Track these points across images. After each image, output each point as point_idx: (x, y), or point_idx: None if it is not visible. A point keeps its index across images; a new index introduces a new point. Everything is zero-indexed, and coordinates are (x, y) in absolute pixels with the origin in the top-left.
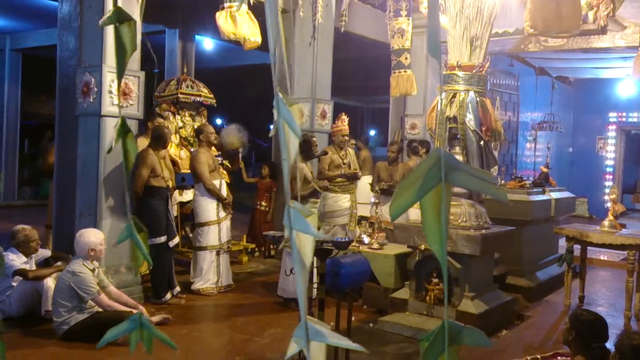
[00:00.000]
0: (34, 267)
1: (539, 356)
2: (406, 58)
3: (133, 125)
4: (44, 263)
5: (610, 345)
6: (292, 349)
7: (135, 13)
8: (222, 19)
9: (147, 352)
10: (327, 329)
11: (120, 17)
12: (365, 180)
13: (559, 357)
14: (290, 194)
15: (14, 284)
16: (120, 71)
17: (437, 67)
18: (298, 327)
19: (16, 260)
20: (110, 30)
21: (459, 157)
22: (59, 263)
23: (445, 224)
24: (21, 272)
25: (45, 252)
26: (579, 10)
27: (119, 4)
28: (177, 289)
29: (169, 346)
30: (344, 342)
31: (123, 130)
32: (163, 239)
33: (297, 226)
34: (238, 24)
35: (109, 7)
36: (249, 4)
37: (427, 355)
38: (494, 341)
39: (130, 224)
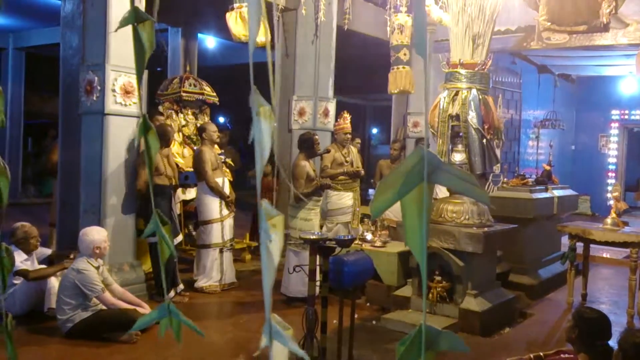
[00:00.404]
0: (36, 265)
1: (542, 354)
2: (405, 54)
3: (135, 123)
4: (47, 261)
5: (613, 343)
6: (263, 342)
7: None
8: (232, 20)
9: (175, 339)
10: (289, 331)
11: (138, 17)
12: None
13: (562, 355)
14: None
15: (16, 282)
16: (140, 71)
17: (440, 64)
18: (265, 324)
19: (16, 258)
20: (113, 29)
21: (462, 155)
22: (65, 261)
23: (426, 224)
24: (22, 273)
25: (46, 251)
26: (597, 1)
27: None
28: (181, 286)
29: (197, 333)
30: (296, 349)
31: (145, 127)
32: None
33: (264, 226)
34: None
35: (112, 5)
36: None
37: (403, 358)
38: (496, 338)
39: (155, 218)
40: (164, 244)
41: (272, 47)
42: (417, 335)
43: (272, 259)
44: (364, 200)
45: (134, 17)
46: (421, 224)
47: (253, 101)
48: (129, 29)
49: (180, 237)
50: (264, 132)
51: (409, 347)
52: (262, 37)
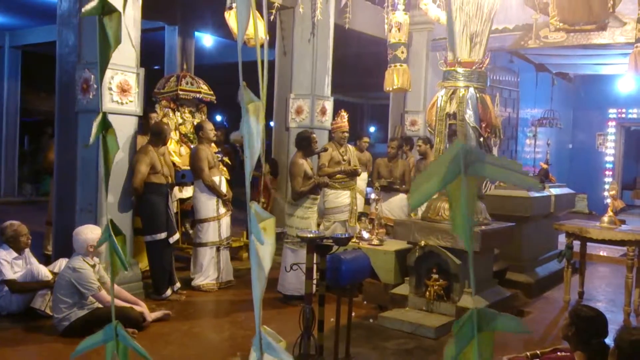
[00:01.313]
0: (31, 261)
1: (538, 352)
2: (402, 52)
3: (133, 122)
4: (44, 260)
5: (609, 340)
6: (252, 357)
7: (135, 9)
8: (232, 20)
9: None
10: (281, 343)
11: (105, 9)
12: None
13: (558, 353)
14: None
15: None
16: (104, 65)
17: (437, 63)
18: (255, 336)
19: (7, 257)
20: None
21: None
22: (51, 279)
23: (469, 214)
24: (8, 283)
25: (44, 271)
26: None
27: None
28: (178, 285)
29: (145, 358)
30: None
31: (104, 126)
32: (163, 235)
33: (254, 230)
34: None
35: (119, 5)
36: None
37: (458, 339)
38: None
39: (108, 226)
40: (114, 253)
41: (270, 45)
42: (470, 317)
43: (262, 268)
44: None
45: (101, 9)
46: (463, 214)
47: (242, 97)
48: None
49: (177, 236)
50: (253, 128)
51: (462, 326)
52: (262, 34)
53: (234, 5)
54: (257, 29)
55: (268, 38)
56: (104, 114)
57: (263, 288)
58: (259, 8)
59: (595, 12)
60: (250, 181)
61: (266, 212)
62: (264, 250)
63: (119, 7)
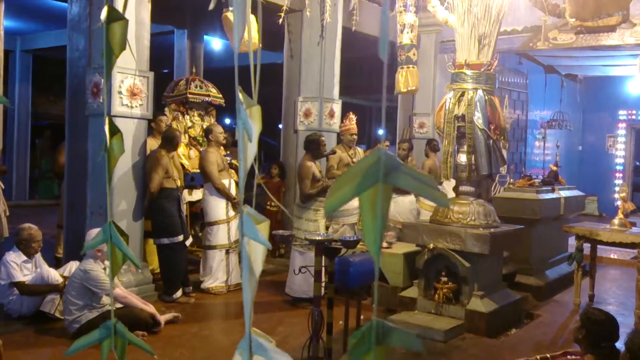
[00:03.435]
0: (41, 267)
1: (548, 355)
2: (414, 54)
3: (142, 126)
4: (55, 263)
5: (620, 344)
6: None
7: (145, 13)
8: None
9: (118, 359)
10: (271, 342)
11: (112, 16)
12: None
13: (568, 356)
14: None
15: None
16: (109, 70)
17: (445, 65)
18: (242, 339)
19: (16, 259)
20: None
21: (468, 156)
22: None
23: (381, 224)
24: (18, 285)
25: (54, 275)
26: None
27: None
28: (190, 288)
29: (146, 351)
30: (285, 358)
31: (111, 131)
32: (181, 237)
33: (248, 233)
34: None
35: (119, 7)
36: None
37: (354, 352)
38: (503, 339)
39: (109, 227)
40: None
41: (278, 48)
42: (368, 328)
43: (253, 272)
44: None
45: (109, 16)
46: (376, 224)
47: (238, 101)
48: (132, 30)
49: (190, 240)
50: (248, 131)
51: (360, 339)
52: (255, 39)
53: (231, 9)
54: (250, 34)
55: (260, 45)
56: (110, 119)
57: (254, 292)
58: (254, 12)
59: (610, 4)
60: (256, 187)
61: (261, 214)
62: (256, 254)
63: (130, 13)
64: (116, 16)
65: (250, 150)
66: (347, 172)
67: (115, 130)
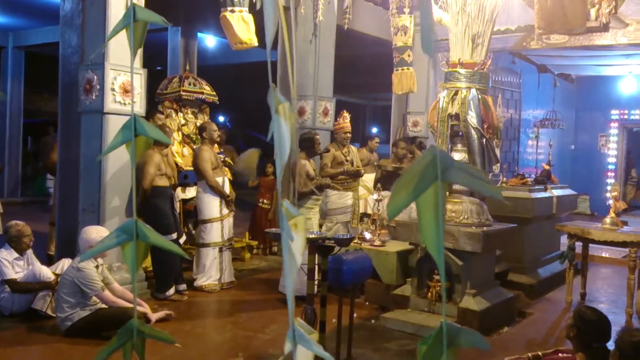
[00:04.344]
0: (33, 263)
1: (540, 353)
2: (409, 55)
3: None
4: (47, 261)
5: (612, 344)
6: (287, 347)
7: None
8: (235, 22)
9: (139, 358)
10: (313, 335)
11: (135, 15)
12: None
13: (560, 354)
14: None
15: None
16: (132, 66)
17: (440, 64)
18: (289, 328)
19: (8, 257)
20: (112, 28)
21: (461, 155)
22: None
23: (442, 222)
24: (9, 283)
25: (46, 272)
26: (584, 8)
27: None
28: (184, 286)
29: (169, 342)
30: (322, 352)
31: (135, 130)
32: (174, 236)
33: (285, 227)
34: (250, 27)
35: (111, 4)
36: (251, 4)
37: (426, 357)
38: (495, 338)
39: (136, 223)
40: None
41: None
42: (438, 334)
43: (294, 260)
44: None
45: (132, 16)
46: (437, 223)
47: (271, 99)
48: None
49: (184, 238)
50: (283, 130)
51: (432, 344)
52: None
53: (236, 9)
54: (281, 32)
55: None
56: (135, 117)
57: (295, 281)
58: (251, 11)
59: (570, 21)
60: (257, 184)
61: (295, 209)
62: (296, 246)
63: (123, 9)
64: (140, 16)
65: (285, 148)
66: (403, 176)
67: (138, 131)
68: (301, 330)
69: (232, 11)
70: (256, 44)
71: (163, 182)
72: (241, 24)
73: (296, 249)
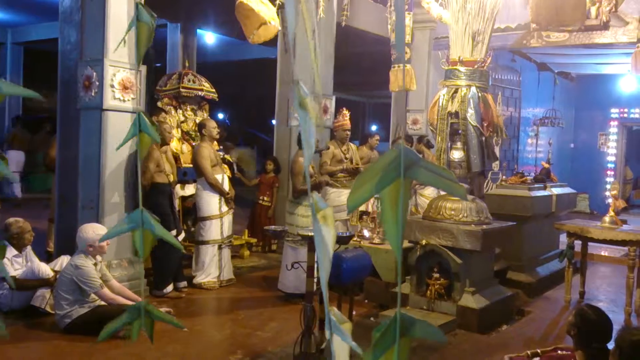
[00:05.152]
0: (33, 261)
1: (539, 350)
2: (406, 52)
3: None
4: (46, 258)
5: (612, 344)
6: (327, 334)
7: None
8: (255, 2)
9: (148, 337)
10: (346, 325)
11: (142, 15)
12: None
13: (559, 352)
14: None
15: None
16: (138, 65)
17: (439, 61)
18: (325, 318)
19: (7, 254)
20: (111, 24)
21: (460, 153)
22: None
23: (403, 218)
24: (8, 280)
25: (45, 269)
26: (580, 4)
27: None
28: (184, 283)
29: (176, 326)
30: (353, 343)
31: (139, 126)
32: (174, 232)
33: (315, 219)
34: (270, 8)
35: (110, 1)
36: None
37: (377, 346)
38: (494, 335)
39: (141, 212)
40: (149, 235)
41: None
42: (392, 323)
43: (327, 251)
44: None
45: (137, 15)
46: (398, 219)
47: (295, 94)
48: (125, 23)
49: (183, 235)
50: (308, 123)
51: (384, 333)
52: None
53: None
54: (310, 24)
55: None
56: (139, 114)
57: (328, 272)
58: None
59: (567, 16)
60: (259, 180)
61: (324, 201)
62: (327, 238)
63: (122, 6)
64: (147, 14)
65: (311, 142)
66: (367, 170)
67: (142, 127)
68: (335, 320)
69: None
70: (279, 27)
71: (162, 179)
72: (261, 5)
73: (328, 240)
